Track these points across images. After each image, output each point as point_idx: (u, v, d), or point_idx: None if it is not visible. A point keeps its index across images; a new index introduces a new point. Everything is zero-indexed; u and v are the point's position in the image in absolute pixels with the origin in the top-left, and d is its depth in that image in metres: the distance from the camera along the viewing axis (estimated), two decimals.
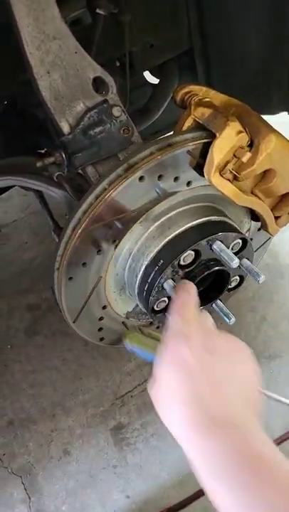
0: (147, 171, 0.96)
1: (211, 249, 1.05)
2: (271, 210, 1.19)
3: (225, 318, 1.17)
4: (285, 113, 1.71)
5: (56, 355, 1.99)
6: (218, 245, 1.03)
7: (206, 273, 1.05)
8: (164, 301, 1.09)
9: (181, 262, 1.04)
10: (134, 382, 1.86)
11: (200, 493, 1.52)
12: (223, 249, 1.02)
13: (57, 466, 1.68)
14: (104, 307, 1.17)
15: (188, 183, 1.07)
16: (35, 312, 2.20)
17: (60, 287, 1.05)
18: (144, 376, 1.87)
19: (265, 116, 1.07)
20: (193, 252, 1.04)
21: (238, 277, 1.20)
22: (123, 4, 1.37)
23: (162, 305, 1.10)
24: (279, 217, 1.22)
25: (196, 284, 1.07)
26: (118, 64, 1.61)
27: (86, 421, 1.78)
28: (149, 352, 0.81)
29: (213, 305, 1.20)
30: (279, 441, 1.57)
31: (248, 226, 1.28)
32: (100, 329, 1.21)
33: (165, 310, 1.11)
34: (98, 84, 1.09)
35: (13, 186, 1.83)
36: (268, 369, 1.81)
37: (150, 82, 1.88)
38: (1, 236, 2.65)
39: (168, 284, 1.03)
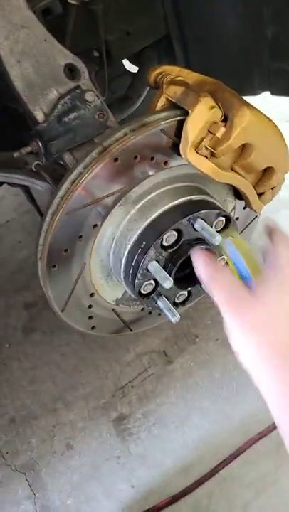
0: (122, 152, 0.95)
1: (193, 227, 1.04)
2: (254, 186, 1.19)
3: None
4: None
5: (55, 351, 1.99)
6: (199, 223, 1.02)
7: (189, 252, 1.04)
8: (151, 283, 1.09)
9: (164, 243, 1.03)
10: (133, 372, 1.85)
11: (204, 479, 1.52)
12: (205, 227, 1.01)
13: (60, 461, 1.68)
14: (91, 295, 1.16)
15: (166, 163, 1.06)
16: (31, 310, 2.20)
17: (44, 276, 1.05)
18: (144, 365, 1.87)
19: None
20: (175, 232, 1.03)
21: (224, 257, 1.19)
22: None
23: (149, 288, 1.09)
24: (263, 193, 1.21)
25: (181, 265, 1.07)
26: (97, 54, 1.60)
27: (88, 414, 1.78)
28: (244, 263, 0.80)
29: (202, 286, 1.19)
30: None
31: (232, 205, 1.27)
32: (90, 317, 1.21)
33: (152, 293, 1.10)
34: (71, 71, 1.09)
35: (1, 184, 1.83)
36: None
37: (130, 71, 1.87)
38: None
39: (152, 266, 1.02)
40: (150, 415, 1.72)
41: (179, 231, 1.03)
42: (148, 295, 1.11)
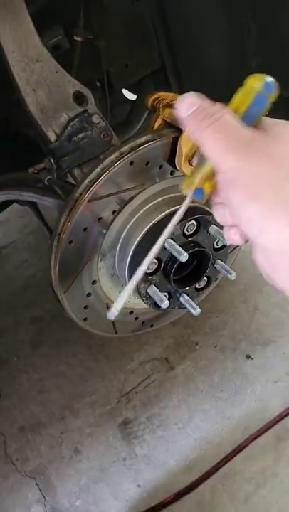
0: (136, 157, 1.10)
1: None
2: None
3: (191, 309, 1.28)
4: None
5: (61, 362, 2.08)
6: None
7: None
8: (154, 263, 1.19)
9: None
10: (137, 379, 1.93)
11: (206, 476, 1.58)
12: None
13: (69, 465, 1.74)
14: (93, 282, 1.26)
15: (172, 173, 1.21)
16: (39, 324, 2.30)
17: (57, 252, 1.12)
18: (147, 372, 1.95)
19: None
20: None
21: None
22: (98, 30, 1.55)
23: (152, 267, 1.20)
24: None
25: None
26: (99, 84, 1.78)
27: (94, 420, 1.85)
28: None
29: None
30: (278, 419, 1.65)
31: None
32: (86, 307, 1.30)
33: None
34: (79, 97, 1.25)
35: (11, 204, 1.97)
36: (263, 354, 1.89)
37: (129, 98, 2.05)
38: (2, 256, 2.78)
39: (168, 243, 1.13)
40: (154, 419, 1.80)
41: None
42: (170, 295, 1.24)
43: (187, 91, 1.85)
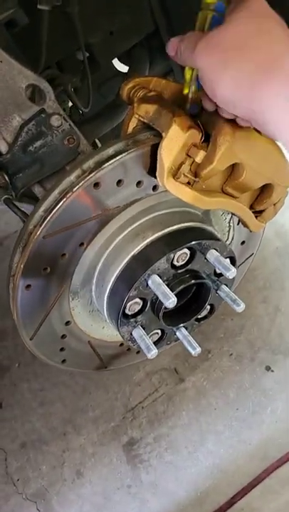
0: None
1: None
2: (253, 204, 1.05)
3: (190, 348, 1.05)
4: None
5: (63, 371, 1.92)
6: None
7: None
8: (138, 303, 0.97)
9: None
10: (144, 392, 1.76)
11: (220, 511, 1.42)
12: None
13: (71, 489, 1.62)
14: (67, 323, 1.05)
15: (154, 188, 0.94)
16: None
17: (14, 297, 0.93)
18: (154, 385, 1.77)
19: None
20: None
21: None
22: None
23: (137, 307, 0.98)
24: (263, 210, 1.07)
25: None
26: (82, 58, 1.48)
27: (97, 438, 1.71)
28: None
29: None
30: None
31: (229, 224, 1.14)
32: (62, 349, 1.10)
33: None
34: (34, 93, 0.98)
35: None
36: (285, 365, 1.67)
37: (123, 71, 1.73)
38: (3, 249, 2.59)
39: (152, 280, 0.91)
40: (162, 439, 1.63)
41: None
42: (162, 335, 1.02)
43: None
